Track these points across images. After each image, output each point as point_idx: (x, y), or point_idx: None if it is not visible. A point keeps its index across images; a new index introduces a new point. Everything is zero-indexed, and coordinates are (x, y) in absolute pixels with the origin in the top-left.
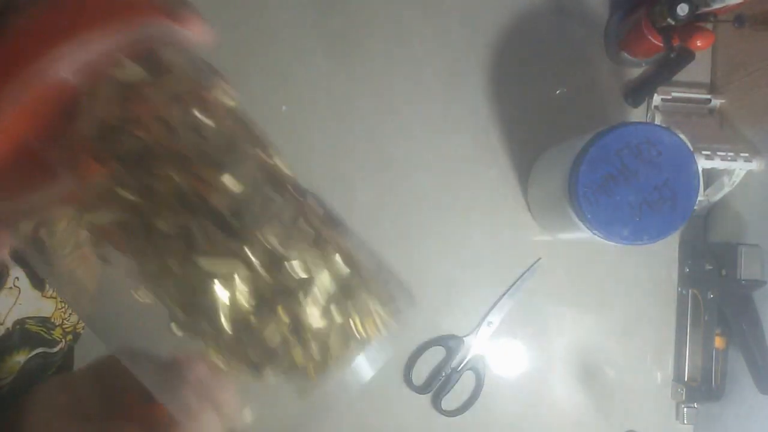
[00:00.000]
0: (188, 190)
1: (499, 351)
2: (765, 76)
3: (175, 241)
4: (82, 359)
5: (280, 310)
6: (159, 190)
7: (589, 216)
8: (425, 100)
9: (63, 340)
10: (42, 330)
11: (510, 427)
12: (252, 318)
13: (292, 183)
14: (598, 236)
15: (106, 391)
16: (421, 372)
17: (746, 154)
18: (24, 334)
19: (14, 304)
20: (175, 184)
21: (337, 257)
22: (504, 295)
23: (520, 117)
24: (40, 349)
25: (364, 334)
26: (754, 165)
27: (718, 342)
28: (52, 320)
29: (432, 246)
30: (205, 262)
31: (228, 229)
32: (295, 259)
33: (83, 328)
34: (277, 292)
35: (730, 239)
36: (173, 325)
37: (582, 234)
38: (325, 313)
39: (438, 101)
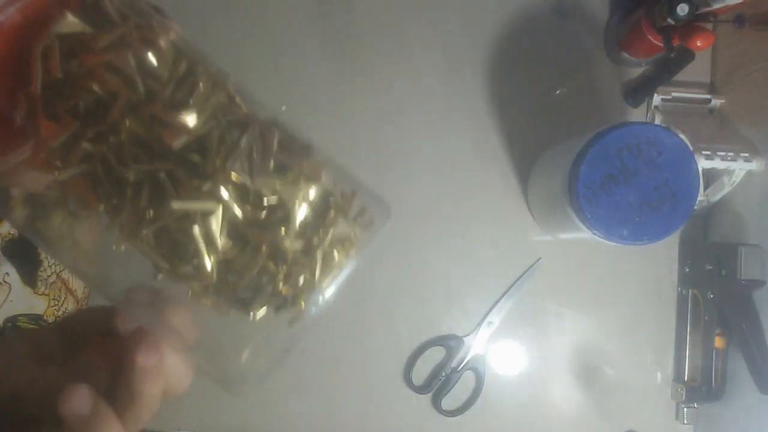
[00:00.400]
0: (148, 135)
1: (499, 351)
2: (765, 76)
3: (146, 189)
4: None
5: (260, 243)
6: (119, 140)
7: (589, 216)
8: (425, 100)
9: None
10: (35, 328)
11: (510, 427)
12: (234, 255)
13: (254, 115)
14: (598, 236)
15: (69, 338)
16: (421, 372)
17: (746, 154)
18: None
19: (5, 300)
20: (133, 132)
21: (309, 184)
22: (504, 295)
23: (520, 117)
24: None
25: (343, 256)
26: (754, 165)
27: (718, 342)
28: (45, 317)
29: (432, 246)
30: (179, 205)
31: (195, 170)
32: (265, 190)
33: None
34: (254, 226)
35: (730, 239)
36: (159, 276)
37: (582, 234)
38: (303, 240)
39: (438, 101)
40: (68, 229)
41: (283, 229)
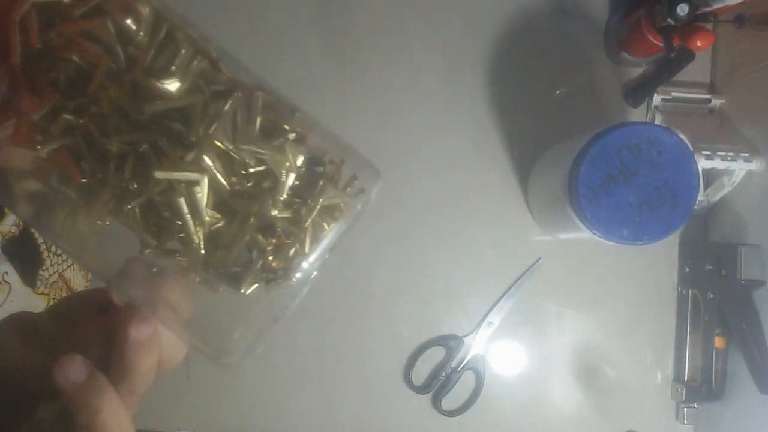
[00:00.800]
0: (130, 105)
1: (499, 351)
2: (765, 76)
3: (130, 161)
4: None
5: (248, 214)
6: (101, 111)
7: (589, 216)
8: (425, 100)
9: None
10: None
11: (510, 427)
12: (222, 228)
13: (239, 80)
14: (598, 236)
15: (61, 320)
16: (421, 372)
17: (746, 154)
18: None
19: (5, 300)
20: (115, 102)
21: (296, 151)
22: (504, 295)
23: (520, 117)
24: None
25: (331, 223)
26: (754, 165)
27: (718, 342)
28: None
29: (432, 246)
30: (162, 175)
31: (178, 139)
32: (250, 159)
33: None
34: (241, 196)
35: (730, 239)
36: (146, 253)
37: (582, 234)
38: (292, 210)
39: (438, 101)
40: (71, 225)
41: (271, 198)
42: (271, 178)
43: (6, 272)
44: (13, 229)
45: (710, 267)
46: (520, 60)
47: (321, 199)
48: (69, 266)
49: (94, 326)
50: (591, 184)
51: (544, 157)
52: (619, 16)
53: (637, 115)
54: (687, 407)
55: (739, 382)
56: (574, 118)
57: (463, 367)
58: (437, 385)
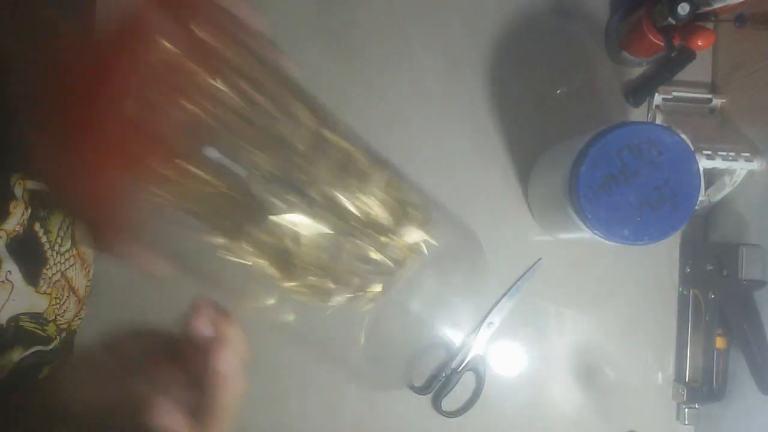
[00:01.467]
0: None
1: (500, 351)
2: (766, 76)
3: (250, 207)
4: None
5: (349, 246)
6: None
7: (589, 216)
8: (425, 100)
9: (57, 336)
10: (36, 327)
11: (510, 428)
12: (328, 257)
13: (341, 133)
14: (599, 236)
15: (124, 355)
16: (421, 372)
17: (747, 154)
18: (19, 332)
19: (8, 299)
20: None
21: (385, 192)
22: (504, 295)
23: (520, 117)
24: (35, 348)
25: (414, 255)
26: (756, 165)
27: (719, 342)
28: (45, 316)
29: None
30: (277, 219)
31: (296, 189)
32: (350, 201)
33: (78, 326)
34: (343, 232)
35: (732, 239)
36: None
37: (582, 234)
38: (380, 243)
39: (438, 101)
40: (67, 233)
41: (367, 237)
42: (367, 216)
43: (9, 271)
44: (18, 228)
45: (711, 267)
46: (520, 60)
47: (403, 233)
48: (71, 266)
49: (179, 365)
50: (591, 184)
51: (544, 157)
52: (619, 16)
53: (637, 114)
54: (688, 408)
55: (740, 382)
56: (574, 118)
57: (464, 367)
58: (437, 386)
